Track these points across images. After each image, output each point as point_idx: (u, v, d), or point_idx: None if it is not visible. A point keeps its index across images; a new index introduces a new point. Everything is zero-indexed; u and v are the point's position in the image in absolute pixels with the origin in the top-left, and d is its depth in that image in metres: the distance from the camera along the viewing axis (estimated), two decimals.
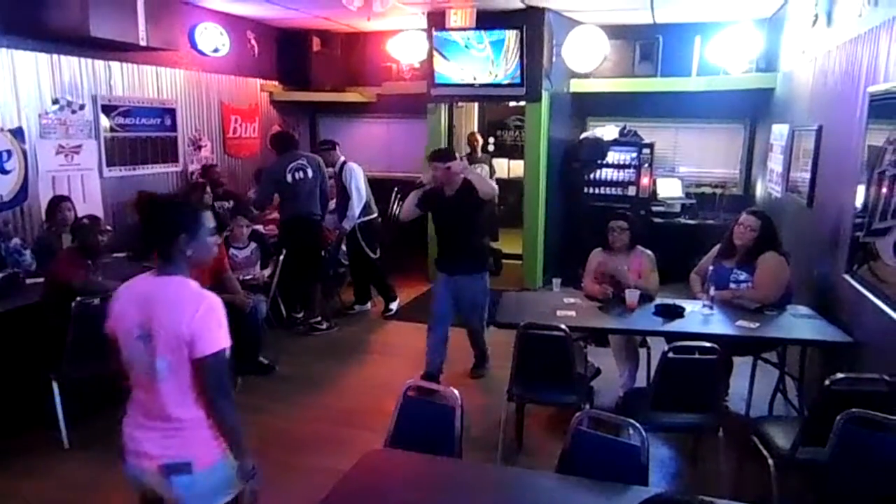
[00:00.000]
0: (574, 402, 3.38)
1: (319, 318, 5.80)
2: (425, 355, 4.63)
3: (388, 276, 6.48)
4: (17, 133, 5.03)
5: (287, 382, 4.74)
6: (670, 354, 3.07)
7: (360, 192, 5.96)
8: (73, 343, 3.66)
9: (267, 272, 5.24)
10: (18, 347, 3.86)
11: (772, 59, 6.46)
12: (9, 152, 4.98)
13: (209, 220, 2.09)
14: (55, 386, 3.70)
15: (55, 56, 5.29)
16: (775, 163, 5.77)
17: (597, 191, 7.27)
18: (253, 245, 5.34)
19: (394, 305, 6.36)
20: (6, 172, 4.97)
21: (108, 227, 5.47)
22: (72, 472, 3.51)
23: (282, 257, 5.29)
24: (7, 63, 4.94)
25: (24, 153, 5.09)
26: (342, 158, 6.06)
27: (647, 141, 7.17)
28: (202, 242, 2.07)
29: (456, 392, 2.51)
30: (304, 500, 2.33)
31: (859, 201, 3.42)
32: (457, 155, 4.62)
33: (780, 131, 5.65)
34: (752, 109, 7.04)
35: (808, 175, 4.54)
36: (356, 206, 5.93)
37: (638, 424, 2.33)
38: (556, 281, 4.55)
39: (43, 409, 3.75)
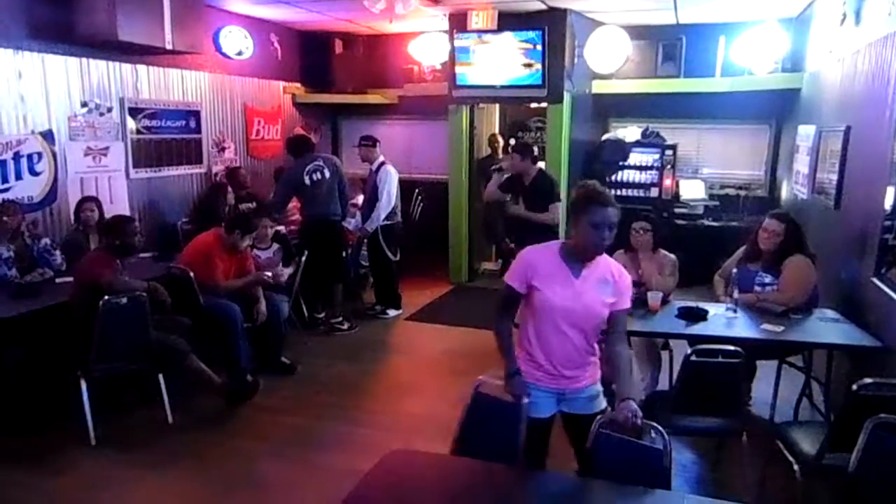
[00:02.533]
0: None
1: (341, 319, 5.84)
2: None
3: (408, 279, 6.49)
4: (48, 135, 5.14)
5: (308, 382, 4.77)
6: (693, 357, 3.03)
7: (390, 196, 5.98)
8: (99, 341, 3.72)
9: (289, 270, 5.29)
10: (48, 345, 3.94)
11: (798, 60, 6.36)
12: (39, 154, 5.09)
13: None
14: (83, 383, 3.76)
15: (84, 60, 5.40)
16: (801, 164, 5.68)
17: (619, 192, 7.20)
18: (276, 246, 5.39)
19: (391, 312, 6.33)
20: (37, 174, 5.08)
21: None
22: (98, 469, 3.57)
23: (304, 258, 5.34)
24: (38, 67, 5.05)
25: (54, 155, 5.20)
26: (381, 158, 6.10)
27: (669, 142, 7.11)
28: None
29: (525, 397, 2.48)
30: (325, 499, 2.35)
31: (888, 203, 3.35)
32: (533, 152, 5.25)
33: (806, 132, 5.57)
34: (778, 110, 6.94)
35: (835, 177, 4.46)
36: (383, 210, 5.95)
37: (660, 427, 2.31)
38: None
39: (70, 406, 3.82)
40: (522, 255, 2.58)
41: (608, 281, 2.49)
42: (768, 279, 3.92)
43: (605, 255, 2.54)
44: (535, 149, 5.48)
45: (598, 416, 2.43)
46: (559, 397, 2.58)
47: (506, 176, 5.17)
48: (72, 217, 5.15)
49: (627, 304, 2.56)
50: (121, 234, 4.01)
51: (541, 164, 5.50)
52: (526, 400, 2.46)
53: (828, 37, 5.23)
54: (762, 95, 6.68)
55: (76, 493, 3.35)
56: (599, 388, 2.61)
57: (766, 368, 4.08)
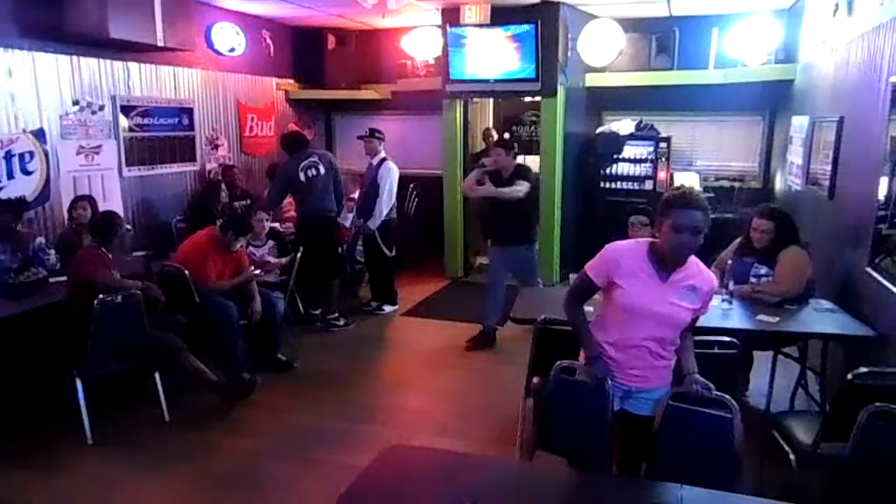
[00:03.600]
0: None
1: (336, 315, 5.83)
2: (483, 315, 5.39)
3: (404, 275, 6.49)
4: (39, 134, 5.11)
5: (305, 379, 4.77)
6: None
7: (391, 193, 6.03)
8: (95, 340, 3.71)
9: (280, 261, 5.28)
10: (44, 344, 3.93)
11: (791, 51, 6.37)
12: (31, 153, 5.05)
13: None
14: (78, 382, 3.75)
15: (75, 58, 5.36)
16: (795, 155, 5.69)
17: (613, 185, 7.22)
18: (271, 243, 5.38)
19: (387, 308, 6.33)
20: (29, 173, 5.05)
21: (128, 227, 5.58)
22: (94, 468, 3.57)
23: (299, 255, 5.32)
24: (28, 65, 5.01)
25: (46, 154, 5.17)
26: (383, 154, 6.11)
27: (663, 135, 7.11)
28: None
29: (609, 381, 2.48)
30: (323, 495, 2.36)
31: (882, 193, 3.36)
32: (514, 148, 5.33)
33: (799, 123, 5.58)
34: (771, 102, 6.94)
35: (828, 167, 4.47)
36: (385, 206, 5.97)
37: (729, 398, 2.34)
38: (573, 276, 4.53)
39: (67, 405, 3.81)
40: (608, 250, 2.49)
41: (696, 288, 2.41)
42: (763, 270, 3.93)
43: (697, 261, 2.45)
44: (516, 144, 5.54)
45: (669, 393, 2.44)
46: (624, 394, 2.54)
47: (485, 171, 5.16)
48: (65, 216, 5.13)
49: (706, 310, 2.52)
50: (111, 229, 4.00)
51: (519, 159, 5.47)
52: (610, 383, 2.44)
53: (820, 27, 5.24)
54: (755, 87, 6.68)
55: (73, 493, 3.34)
56: (667, 391, 2.53)
57: (761, 359, 4.11)
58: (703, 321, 3.52)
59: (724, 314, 3.70)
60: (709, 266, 4.25)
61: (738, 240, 4.17)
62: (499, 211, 5.13)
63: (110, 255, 4.00)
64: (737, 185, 7.24)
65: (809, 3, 5.77)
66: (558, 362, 2.59)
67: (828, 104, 4.82)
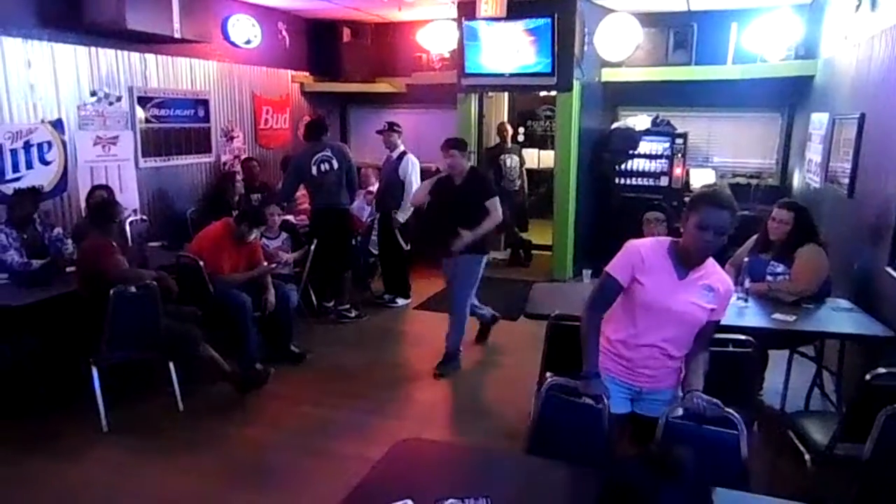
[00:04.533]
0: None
1: (348, 306, 5.84)
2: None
3: (417, 268, 6.50)
4: (58, 124, 5.15)
5: (318, 371, 4.79)
6: None
7: (417, 185, 5.98)
8: (110, 330, 3.74)
9: (293, 255, 5.30)
10: (61, 333, 3.97)
11: (812, 46, 6.28)
12: (49, 143, 5.10)
13: None
14: (94, 371, 3.79)
15: (93, 49, 5.40)
16: (814, 152, 5.62)
17: (628, 181, 7.17)
18: (284, 235, 5.40)
19: (400, 301, 6.33)
20: (47, 163, 5.10)
21: (144, 217, 5.62)
22: (109, 455, 3.60)
23: (312, 247, 5.34)
24: (48, 56, 5.05)
25: (64, 144, 5.21)
26: (402, 147, 6.11)
27: (680, 131, 7.05)
28: None
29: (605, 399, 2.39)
30: (336, 486, 2.35)
31: None
32: (468, 150, 4.87)
33: (819, 120, 5.50)
34: (791, 98, 6.86)
35: (848, 165, 4.41)
36: (412, 198, 5.96)
37: (735, 414, 2.23)
38: (587, 272, 4.52)
39: (83, 393, 3.84)
40: (631, 246, 2.45)
41: (713, 289, 2.37)
42: (780, 269, 3.89)
43: (713, 262, 2.43)
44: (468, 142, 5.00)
45: (667, 409, 2.36)
46: (635, 396, 2.52)
47: (438, 178, 4.62)
48: (82, 205, 5.17)
49: (722, 315, 2.46)
50: (111, 215, 4.02)
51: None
52: (606, 402, 2.38)
53: (843, 23, 5.16)
54: (774, 83, 6.60)
55: (88, 478, 3.38)
56: (677, 394, 2.51)
57: (776, 358, 4.06)
58: None
59: (740, 312, 3.66)
60: (724, 263, 4.28)
61: (755, 237, 4.13)
62: (452, 214, 4.48)
63: (114, 243, 4.00)
64: (753, 182, 7.17)
65: None
66: (550, 380, 2.52)
67: (849, 101, 4.75)
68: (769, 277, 3.91)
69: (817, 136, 5.52)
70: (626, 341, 2.47)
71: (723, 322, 3.41)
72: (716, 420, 2.29)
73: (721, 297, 2.40)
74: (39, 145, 5.02)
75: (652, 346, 2.43)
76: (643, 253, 2.41)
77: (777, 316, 3.56)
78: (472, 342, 5.31)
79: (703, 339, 2.47)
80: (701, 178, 7.26)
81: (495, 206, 4.48)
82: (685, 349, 2.47)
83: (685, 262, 2.37)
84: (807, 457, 2.83)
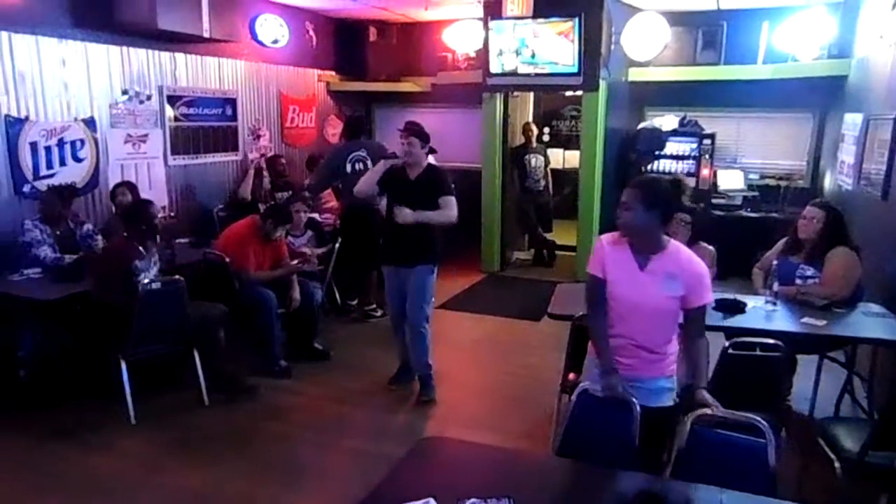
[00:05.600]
0: None
1: (374, 306, 5.86)
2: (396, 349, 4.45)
3: (440, 268, 6.47)
4: (90, 123, 5.25)
5: (341, 368, 4.81)
6: (731, 350, 2.97)
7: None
8: (138, 325, 3.80)
9: (319, 251, 5.32)
10: (90, 326, 4.04)
11: (845, 45, 6.15)
12: (82, 141, 5.20)
13: None
14: (123, 365, 3.85)
15: (125, 48, 5.49)
16: (847, 154, 5.50)
17: None
18: (309, 233, 5.44)
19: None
20: (80, 160, 5.20)
21: (171, 214, 5.70)
22: (135, 448, 3.67)
23: (337, 245, 5.36)
24: (81, 55, 5.15)
25: (96, 142, 5.31)
26: (429, 162, 6.06)
27: (707, 131, 6.96)
28: None
29: (633, 397, 2.39)
30: (358, 483, 2.37)
31: None
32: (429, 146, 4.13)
33: (852, 121, 5.39)
34: (823, 98, 6.72)
35: (883, 167, 4.31)
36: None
37: (762, 421, 2.19)
38: None
39: (112, 385, 3.91)
40: (597, 241, 2.61)
41: (675, 275, 2.40)
42: (810, 272, 3.81)
43: (676, 246, 2.47)
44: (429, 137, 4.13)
45: (690, 414, 2.31)
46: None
47: (391, 164, 4.05)
48: (111, 202, 5.27)
49: (704, 300, 2.44)
50: (145, 218, 4.08)
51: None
52: (636, 408, 2.37)
53: (878, 21, 5.04)
54: (806, 83, 6.48)
55: (114, 470, 3.44)
56: (667, 384, 2.53)
57: (805, 363, 3.98)
58: (745, 322, 3.50)
59: (768, 316, 3.60)
60: (751, 265, 4.21)
61: (784, 239, 4.05)
62: (402, 226, 3.93)
63: (140, 247, 4.03)
64: (783, 183, 7.05)
65: None
66: (581, 384, 2.53)
67: (884, 101, 4.64)
68: (798, 281, 3.83)
69: (850, 137, 5.41)
70: (611, 335, 2.54)
71: (751, 325, 3.42)
72: (743, 426, 2.25)
73: (688, 281, 2.41)
74: (73, 143, 5.13)
75: (620, 336, 2.50)
76: (606, 246, 2.54)
77: (807, 320, 3.49)
78: (490, 340, 5.30)
79: (693, 327, 2.50)
80: (729, 180, 7.17)
81: (449, 205, 3.97)
82: (661, 340, 2.50)
83: (637, 249, 2.46)
84: (837, 464, 2.77)
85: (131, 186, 5.17)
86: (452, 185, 4.10)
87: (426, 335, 4.23)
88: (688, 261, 2.44)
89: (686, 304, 2.43)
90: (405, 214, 3.89)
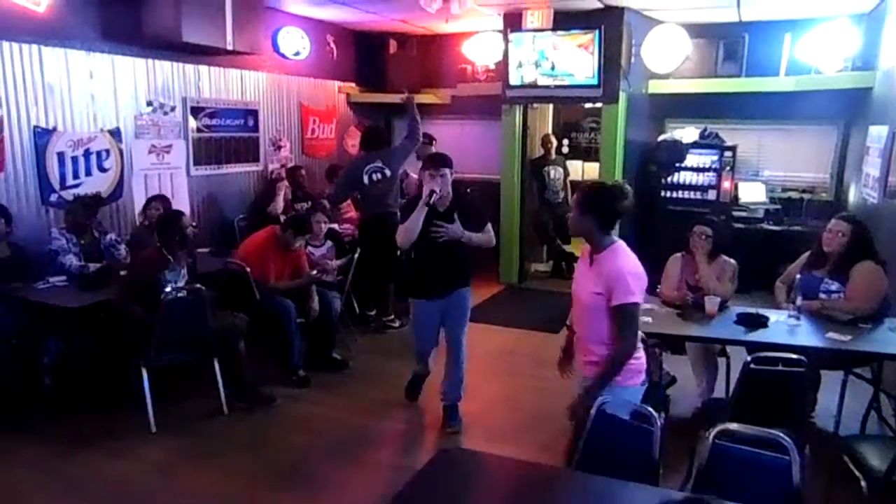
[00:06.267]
0: None
1: (392, 317, 5.87)
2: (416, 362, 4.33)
3: None
4: (115, 133, 5.36)
5: (359, 379, 4.82)
6: (753, 365, 2.94)
7: None
8: (160, 335, 3.85)
9: (338, 262, 5.35)
10: (114, 334, 4.11)
11: (870, 57, 6.09)
12: (107, 151, 5.30)
13: None
14: (144, 373, 3.90)
15: (150, 61, 5.60)
16: (872, 167, 5.43)
17: (674, 195, 7.05)
18: (329, 243, 5.47)
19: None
20: (105, 171, 5.29)
21: (193, 224, 5.77)
22: (155, 455, 3.70)
23: (356, 256, 5.39)
24: (108, 67, 5.26)
25: (121, 152, 5.41)
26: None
27: (728, 143, 6.91)
28: None
29: (654, 412, 2.37)
30: (375, 495, 2.37)
31: None
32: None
33: (878, 133, 5.32)
34: (847, 110, 6.65)
35: None
36: None
37: (787, 437, 2.15)
38: None
39: (133, 393, 3.96)
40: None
41: (602, 272, 2.55)
42: (834, 286, 3.76)
43: (618, 247, 2.60)
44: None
45: (712, 429, 2.28)
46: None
47: (426, 209, 3.67)
48: (136, 213, 5.35)
49: (619, 300, 2.49)
50: (178, 228, 4.14)
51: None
52: (658, 421, 2.36)
53: None
54: (830, 95, 6.42)
55: (133, 477, 3.48)
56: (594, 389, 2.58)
57: (830, 379, 3.92)
58: (768, 336, 3.46)
59: (791, 330, 3.56)
60: (773, 279, 4.16)
61: (808, 253, 4.01)
62: (442, 251, 3.77)
63: (170, 257, 4.09)
64: (806, 196, 6.98)
65: (892, 6, 5.50)
66: (599, 399, 2.50)
67: None
68: (822, 295, 3.79)
69: (875, 150, 5.34)
70: None
71: (773, 340, 3.38)
72: (765, 443, 2.22)
73: (608, 278, 2.52)
74: (98, 153, 5.23)
75: (576, 333, 2.74)
76: (583, 249, 2.75)
77: (831, 335, 3.45)
78: (509, 352, 5.28)
79: (614, 328, 2.56)
80: (751, 192, 7.10)
81: (491, 231, 3.91)
82: (598, 340, 2.62)
83: (592, 249, 2.64)
84: (863, 483, 2.72)
85: (164, 200, 5.25)
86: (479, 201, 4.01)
87: (465, 362, 4.11)
88: (614, 260, 2.56)
89: (608, 302, 2.53)
90: (454, 231, 3.69)
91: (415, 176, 6.11)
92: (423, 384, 4.38)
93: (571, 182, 7.96)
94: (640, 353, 2.69)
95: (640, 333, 2.68)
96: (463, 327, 4.06)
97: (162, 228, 4.24)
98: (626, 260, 2.57)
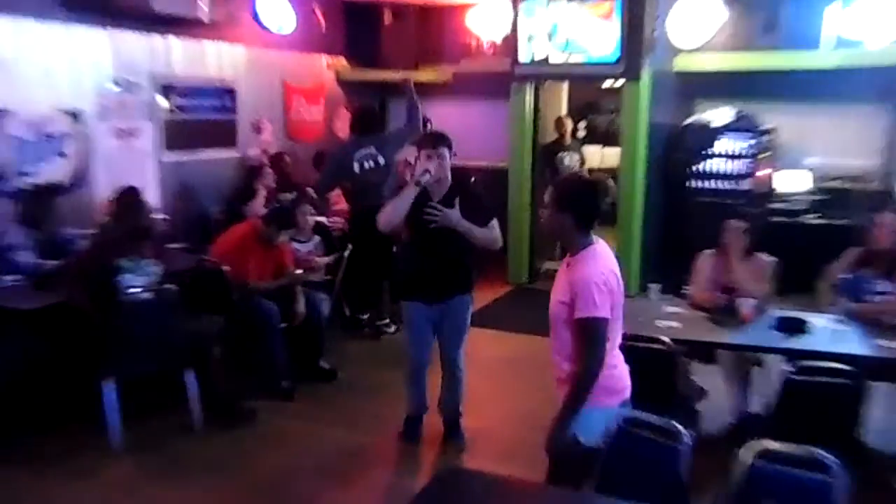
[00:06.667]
0: None
1: (387, 320, 5.86)
2: (408, 400, 4.17)
3: None
4: (74, 114, 5.33)
5: (350, 390, 4.82)
6: (794, 376, 2.93)
7: None
8: (119, 343, 3.84)
9: (326, 260, 5.33)
10: (72, 338, 4.08)
11: None
12: (66, 135, 5.27)
13: None
14: (106, 388, 3.87)
15: (114, 31, 5.56)
16: None
17: (704, 184, 7.02)
18: (317, 238, 5.46)
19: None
20: (64, 156, 5.27)
21: (165, 216, 5.74)
22: (120, 476, 3.70)
23: (347, 252, 5.37)
24: (63, 39, 5.22)
25: (81, 136, 5.38)
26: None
27: (765, 127, 6.89)
28: None
29: (682, 428, 2.38)
30: None
31: None
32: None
33: None
34: None
35: None
36: None
37: (829, 456, 2.15)
38: (654, 287, 4.43)
39: (94, 407, 3.94)
40: None
41: (571, 279, 2.50)
42: (887, 287, 3.76)
43: (594, 250, 2.53)
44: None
45: (747, 447, 2.29)
46: None
47: (419, 190, 3.59)
48: (99, 204, 5.32)
49: (581, 312, 2.42)
50: (138, 207, 4.12)
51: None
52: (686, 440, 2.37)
53: None
54: (880, 72, 6.40)
55: (98, 501, 3.48)
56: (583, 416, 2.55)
57: (880, 391, 3.90)
58: (810, 343, 3.45)
59: (837, 336, 3.56)
60: (815, 279, 4.14)
61: (854, 250, 4.00)
62: (436, 244, 3.69)
63: (129, 244, 4.06)
64: (853, 186, 6.95)
65: None
66: (618, 412, 2.51)
67: None
68: (871, 297, 3.78)
69: None
70: None
71: (816, 348, 3.36)
72: (807, 462, 2.21)
73: (573, 285, 2.47)
74: (55, 137, 5.20)
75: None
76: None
77: (882, 342, 3.45)
78: (517, 360, 5.28)
79: (576, 344, 2.51)
80: (789, 182, 7.08)
81: (496, 228, 3.76)
82: (565, 355, 2.58)
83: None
84: None
85: (134, 193, 5.21)
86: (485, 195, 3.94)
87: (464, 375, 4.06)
88: (584, 267, 2.49)
89: (569, 310, 2.48)
90: (448, 215, 3.52)
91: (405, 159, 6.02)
92: (422, 424, 4.16)
93: (588, 170, 7.95)
94: (617, 365, 2.63)
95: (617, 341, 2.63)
96: (459, 346, 3.94)
97: (119, 206, 4.21)
98: (596, 267, 2.48)
